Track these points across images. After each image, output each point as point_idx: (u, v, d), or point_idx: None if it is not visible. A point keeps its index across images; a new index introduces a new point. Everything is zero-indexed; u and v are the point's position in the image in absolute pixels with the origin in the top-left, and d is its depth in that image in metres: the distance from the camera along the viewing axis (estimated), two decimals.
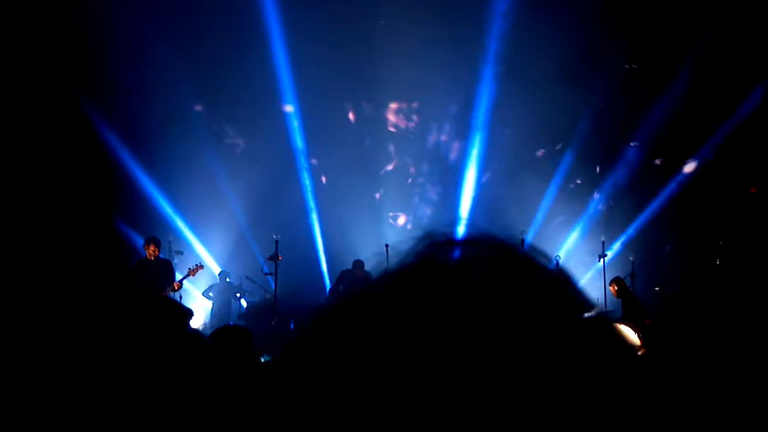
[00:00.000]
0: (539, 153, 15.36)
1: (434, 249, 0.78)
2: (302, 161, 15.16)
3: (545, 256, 0.80)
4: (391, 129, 15.72)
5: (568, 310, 0.73)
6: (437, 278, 0.74)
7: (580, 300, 0.75)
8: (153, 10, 12.99)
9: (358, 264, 12.69)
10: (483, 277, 0.73)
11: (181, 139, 13.93)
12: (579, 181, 14.99)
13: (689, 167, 14.30)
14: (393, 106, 15.54)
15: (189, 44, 13.39)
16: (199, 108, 14.22)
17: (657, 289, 11.90)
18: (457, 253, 0.78)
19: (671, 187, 14.26)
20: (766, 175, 13.43)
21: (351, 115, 15.35)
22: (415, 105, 15.47)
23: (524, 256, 0.78)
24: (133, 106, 13.55)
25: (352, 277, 12.50)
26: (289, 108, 14.87)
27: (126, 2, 12.82)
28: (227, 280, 13.12)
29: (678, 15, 13.36)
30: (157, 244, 10.71)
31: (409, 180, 15.85)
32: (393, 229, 15.29)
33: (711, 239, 12.70)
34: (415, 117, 15.64)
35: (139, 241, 11.25)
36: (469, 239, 0.82)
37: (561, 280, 0.76)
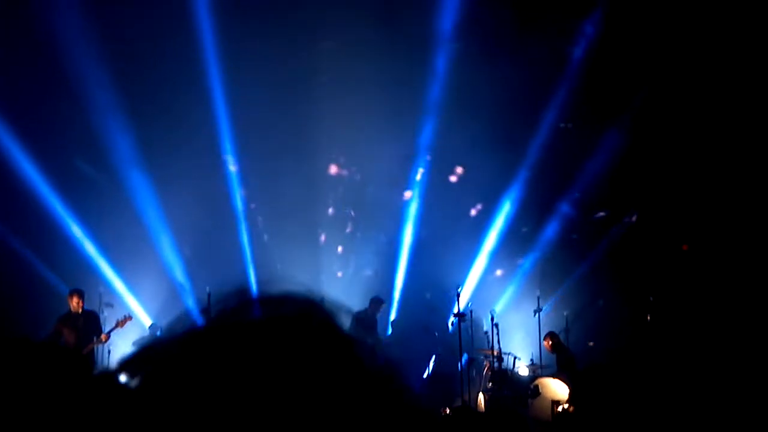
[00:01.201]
0: (477, 207, 15.51)
1: (236, 308, 0.80)
2: (239, 213, 15.02)
3: (346, 315, 0.81)
4: (333, 182, 15.69)
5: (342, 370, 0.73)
6: (228, 336, 0.74)
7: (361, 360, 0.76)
8: (94, 54, 12.90)
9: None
10: (271, 335, 0.74)
11: (115, 188, 13.71)
12: (515, 236, 15.12)
13: (623, 223, 14.57)
14: (334, 160, 15.55)
15: (128, 88, 13.26)
16: (135, 156, 13.99)
17: (591, 344, 12.02)
18: (254, 313, 0.80)
19: (604, 243, 14.50)
20: (697, 232, 13.78)
21: (292, 169, 15.29)
22: (356, 159, 15.50)
23: (319, 318, 0.79)
24: (66, 152, 13.33)
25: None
26: (229, 160, 14.78)
27: (68, 46, 12.71)
28: (157, 333, 12.83)
29: (613, 74, 13.77)
30: (81, 296, 10.47)
31: (348, 230, 15.78)
32: (333, 283, 15.15)
33: (643, 295, 12.90)
34: (356, 171, 15.66)
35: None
36: (268, 299, 0.82)
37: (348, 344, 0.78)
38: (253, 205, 15.23)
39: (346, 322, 0.79)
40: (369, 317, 12.96)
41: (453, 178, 15.44)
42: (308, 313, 0.79)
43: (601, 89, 13.92)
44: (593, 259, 14.44)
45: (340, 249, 15.72)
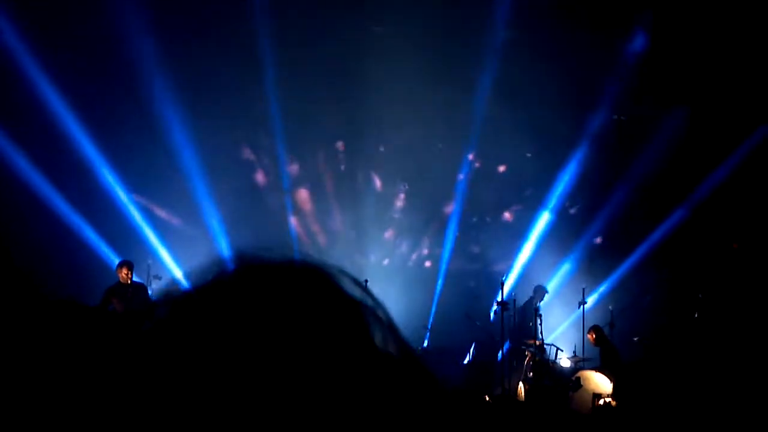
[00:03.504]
0: (525, 196, 15.36)
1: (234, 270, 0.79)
2: (286, 187, 15.12)
3: (356, 284, 0.78)
4: (381, 165, 15.62)
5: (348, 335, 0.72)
6: (220, 297, 0.75)
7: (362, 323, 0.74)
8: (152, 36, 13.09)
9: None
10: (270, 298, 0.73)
11: (166, 163, 13.89)
12: (562, 228, 14.97)
13: (673, 219, 14.33)
14: (383, 142, 15.44)
15: (182, 69, 13.41)
16: (185, 130, 14.15)
17: (635, 339, 11.86)
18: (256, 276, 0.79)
19: (654, 237, 14.28)
20: (748, 231, 13.50)
21: (342, 149, 15.32)
22: (404, 142, 15.37)
23: (325, 281, 0.77)
24: (119, 123, 13.50)
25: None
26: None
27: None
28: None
29: (668, 64, 13.53)
30: (130, 268, 10.66)
31: (396, 215, 15.72)
32: (378, 268, 15.14)
33: (691, 292, 12.70)
34: (404, 155, 15.52)
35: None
36: (271, 263, 0.83)
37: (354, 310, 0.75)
38: (299, 186, 15.30)
39: (351, 288, 0.76)
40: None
41: (502, 167, 15.30)
42: (311, 273, 0.78)
43: (657, 80, 13.68)
44: (641, 254, 14.24)
45: (388, 234, 15.68)
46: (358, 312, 0.74)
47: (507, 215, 15.41)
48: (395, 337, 0.75)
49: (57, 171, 13.11)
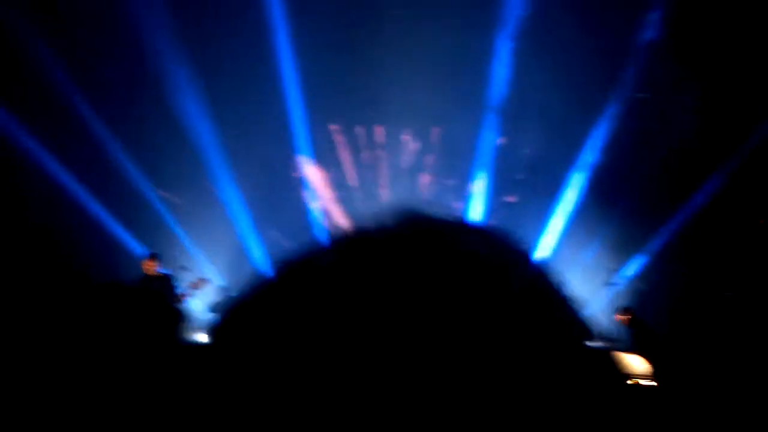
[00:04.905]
0: (550, 172, 15.14)
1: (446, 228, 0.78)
2: (305, 169, 15.12)
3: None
4: (398, 149, 15.52)
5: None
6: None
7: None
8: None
9: None
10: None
11: (191, 154, 13.90)
12: (586, 210, 14.80)
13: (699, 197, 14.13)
14: (396, 126, 15.33)
15: (197, 50, 13.36)
16: (209, 123, 14.16)
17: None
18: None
19: (681, 216, 14.10)
20: None
21: (359, 133, 15.27)
22: (420, 127, 15.28)
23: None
24: (143, 117, 13.49)
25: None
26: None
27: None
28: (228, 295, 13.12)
29: (691, 42, 13.32)
30: (157, 259, 10.70)
31: (419, 195, 15.60)
32: None
33: (721, 271, 12.54)
34: (420, 140, 15.40)
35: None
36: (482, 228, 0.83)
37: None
38: (321, 170, 15.27)
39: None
40: None
41: (526, 149, 15.12)
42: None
43: (682, 54, 13.48)
44: (671, 231, 14.05)
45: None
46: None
47: (531, 193, 15.22)
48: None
49: (83, 168, 13.18)
